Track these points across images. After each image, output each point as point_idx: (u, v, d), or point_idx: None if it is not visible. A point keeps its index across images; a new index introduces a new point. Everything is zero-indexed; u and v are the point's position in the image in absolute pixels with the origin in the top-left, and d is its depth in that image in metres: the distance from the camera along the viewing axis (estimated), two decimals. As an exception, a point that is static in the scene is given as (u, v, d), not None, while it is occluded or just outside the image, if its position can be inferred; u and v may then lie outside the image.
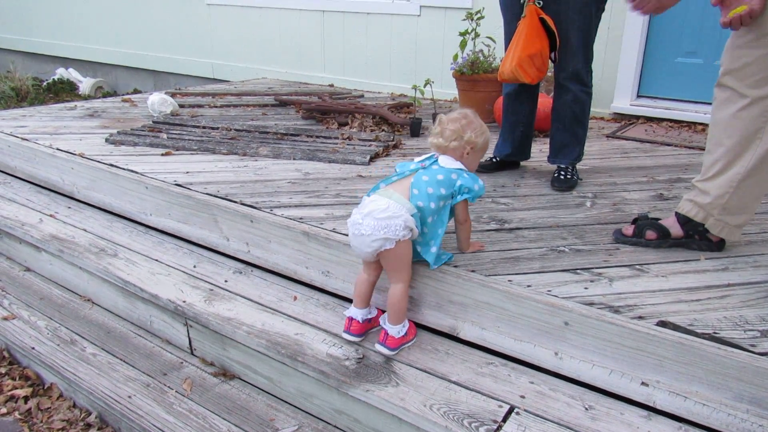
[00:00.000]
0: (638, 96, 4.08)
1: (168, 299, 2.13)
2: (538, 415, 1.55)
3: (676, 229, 1.99)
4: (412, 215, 1.69)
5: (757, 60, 1.71)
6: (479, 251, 1.95)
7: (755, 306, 1.64)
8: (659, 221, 2.04)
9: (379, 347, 1.78)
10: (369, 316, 1.87)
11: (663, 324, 1.54)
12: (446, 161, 1.80)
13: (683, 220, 1.97)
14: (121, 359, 2.14)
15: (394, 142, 3.26)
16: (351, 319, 1.85)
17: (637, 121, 3.99)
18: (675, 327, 1.52)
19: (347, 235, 2.04)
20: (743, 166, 1.80)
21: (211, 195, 2.43)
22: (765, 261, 1.91)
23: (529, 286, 1.73)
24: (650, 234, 2.01)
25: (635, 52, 3.91)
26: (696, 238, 1.97)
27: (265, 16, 5.55)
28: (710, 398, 1.48)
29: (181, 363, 2.11)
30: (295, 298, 2.13)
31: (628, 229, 2.06)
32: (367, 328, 1.87)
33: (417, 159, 1.85)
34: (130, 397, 1.94)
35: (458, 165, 1.80)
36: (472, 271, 1.80)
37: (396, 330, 1.77)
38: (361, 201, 1.75)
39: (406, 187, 1.74)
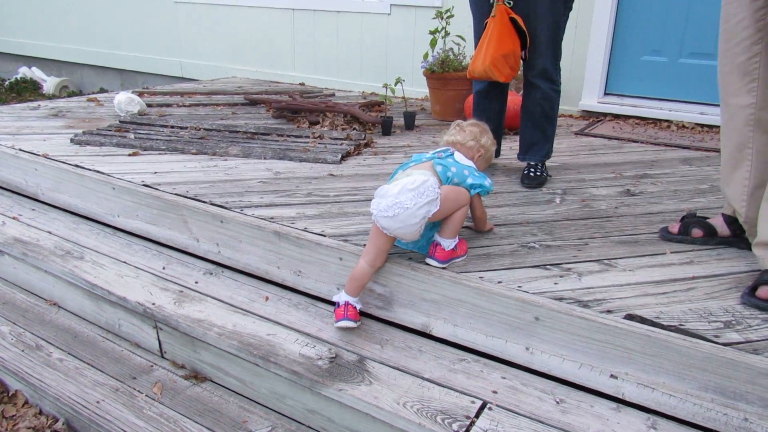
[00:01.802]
0: (605, 94, 4.14)
1: (137, 302, 2.10)
2: (510, 410, 1.56)
3: (723, 229, 1.98)
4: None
5: (736, 68, 1.72)
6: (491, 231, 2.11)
7: (719, 298, 1.68)
8: (707, 220, 2.02)
9: (429, 260, 1.83)
10: (359, 306, 1.88)
11: (630, 317, 1.57)
12: (461, 157, 1.93)
13: (729, 220, 1.96)
14: (88, 364, 2.09)
15: (365, 141, 3.26)
16: (348, 304, 1.84)
17: (605, 119, 4.05)
18: (642, 320, 1.55)
19: (319, 234, 2.04)
20: (746, 178, 1.79)
21: (180, 195, 2.40)
22: (728, 254, 1.95)
23: (499, 282, 1.74)
24: (696, 232, 2.00)
25: (602, 50, 3.97)
26: (744, 237, 1.91)
27: (234, 13, 5.49)
28: (677, 389, 1.51)
29: (151, 366, 2.08)
30: (267, 298, 2.11)
31: (674, 227, 2.04)
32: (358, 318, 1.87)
33: (431, 151, 1.94)
34: (98, 402, 1.90)
35: (470, 163, 1.93)
36: (444, 268, 1.82)
37: (447, 243, 1.82)
38: (378, 192, 1.77)
39: (426, 167, 1.83)
